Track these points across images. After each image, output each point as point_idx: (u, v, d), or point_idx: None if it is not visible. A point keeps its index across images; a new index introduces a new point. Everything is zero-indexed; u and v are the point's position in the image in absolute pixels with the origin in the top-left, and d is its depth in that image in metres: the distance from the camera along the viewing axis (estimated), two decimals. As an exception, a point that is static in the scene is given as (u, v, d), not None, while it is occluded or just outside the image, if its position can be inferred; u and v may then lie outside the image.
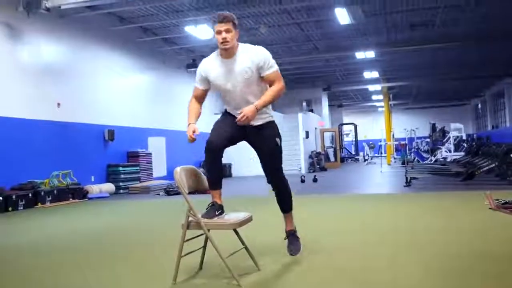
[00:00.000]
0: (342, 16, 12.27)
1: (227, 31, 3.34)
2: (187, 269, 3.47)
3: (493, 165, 9.61)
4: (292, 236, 3.75)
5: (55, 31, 11.07)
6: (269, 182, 3.72)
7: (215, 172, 3.48)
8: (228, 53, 3.42)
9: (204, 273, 3.49)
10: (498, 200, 6.27)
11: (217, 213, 3.31)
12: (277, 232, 4.13)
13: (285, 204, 3.75)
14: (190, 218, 3.15)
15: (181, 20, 13.08)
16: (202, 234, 3.33)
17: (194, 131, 3.35)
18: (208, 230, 3.19)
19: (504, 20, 13.81)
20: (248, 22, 13.59)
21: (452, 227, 5.17)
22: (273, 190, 3.75)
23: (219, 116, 3.69)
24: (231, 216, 3.32)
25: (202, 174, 3.56)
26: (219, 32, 3.35)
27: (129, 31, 13.59)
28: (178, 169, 3.27)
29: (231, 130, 3.50)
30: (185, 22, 13.22)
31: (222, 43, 3.36)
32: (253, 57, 3.44)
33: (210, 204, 3.36)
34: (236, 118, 3.39)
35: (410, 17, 13.65)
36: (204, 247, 3.45)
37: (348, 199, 8.94)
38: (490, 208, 6.02)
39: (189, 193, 3.26)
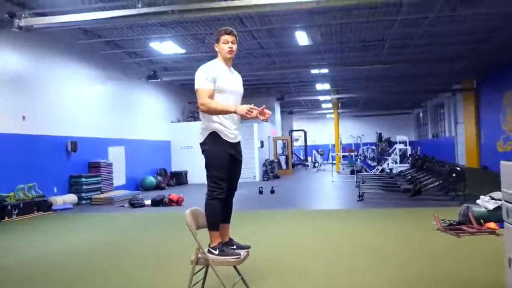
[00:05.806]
0: (302, 38, 13.05)
1: (233, 42, 3.85)
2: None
3: (437, 183, 10.65)
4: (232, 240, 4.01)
5: (20, 45, 11.11)
6: (229, 196, 3.94)
7: (220, 215, 3.83)
8: (230, 62, 3.96)
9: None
10: (444, 220, 7.14)
11: (232, 250, 3.82)
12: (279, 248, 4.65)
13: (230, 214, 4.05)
14: (199, 255, 3.66)
15: (146, 36, 13.40)
16: (202, 268, 3.85)
17: (250, 108, 3.66)
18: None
19: (444, 46, 15.15)
20: (211, 39, 14.04)
21: (403, 250, 5.86)
22: (226, 204, 3.92)
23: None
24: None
25: (199, 212, 3.86)
26: (226, 42, 3.82)
27: (92, 44, 13.71)
28: (187, 212, 3.72)
29: (230, 166, 3.85)
30: (150, 39, 13.56)
31: (230, 51, 3.84)
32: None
33: (222, 245, 3.79)
34: (230, 141, 3.83)
35: (363, 36, 14.56)
36: (204, 278, 3.95)
37: (309, 215, 9.32)
38: (438, 229, 6.84)
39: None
